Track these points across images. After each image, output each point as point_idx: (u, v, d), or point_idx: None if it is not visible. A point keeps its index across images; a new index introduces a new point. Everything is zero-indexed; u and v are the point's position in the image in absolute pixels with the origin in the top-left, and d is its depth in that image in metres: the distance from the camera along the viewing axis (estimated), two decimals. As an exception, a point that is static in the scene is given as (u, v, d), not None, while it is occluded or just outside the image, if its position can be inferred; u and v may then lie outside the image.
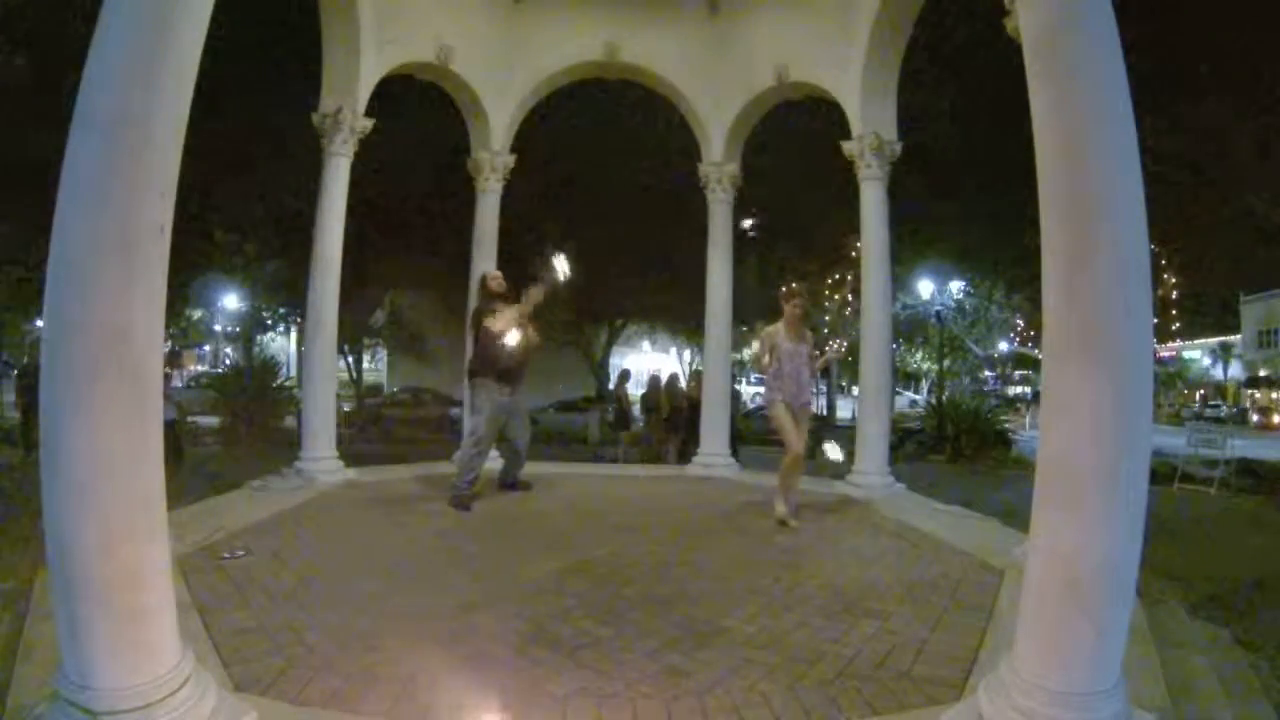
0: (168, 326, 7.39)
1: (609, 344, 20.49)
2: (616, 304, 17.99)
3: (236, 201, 11.06)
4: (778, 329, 5.29)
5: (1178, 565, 4.79)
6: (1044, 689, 1.99)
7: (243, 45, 8.67)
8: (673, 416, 10.82)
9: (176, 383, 16.25)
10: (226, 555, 3.81)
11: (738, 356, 32.63)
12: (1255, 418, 28.16)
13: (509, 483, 6.10)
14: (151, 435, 1.99)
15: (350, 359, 16.59)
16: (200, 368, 27.67)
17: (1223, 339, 40.93)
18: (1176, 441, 10.50)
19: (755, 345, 5.37)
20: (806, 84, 7.04)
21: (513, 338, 5.44)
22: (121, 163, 1.92)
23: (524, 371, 5.75)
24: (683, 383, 11.50)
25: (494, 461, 7.19)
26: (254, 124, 9.63)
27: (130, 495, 1.92)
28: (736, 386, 17.63)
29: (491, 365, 5.54)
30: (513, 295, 5.72)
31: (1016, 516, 4.78)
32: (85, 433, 1.86)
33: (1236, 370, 40.79)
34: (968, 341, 23.11)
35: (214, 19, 2.17)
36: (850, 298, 15.67)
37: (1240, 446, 9.86)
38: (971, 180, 12.67)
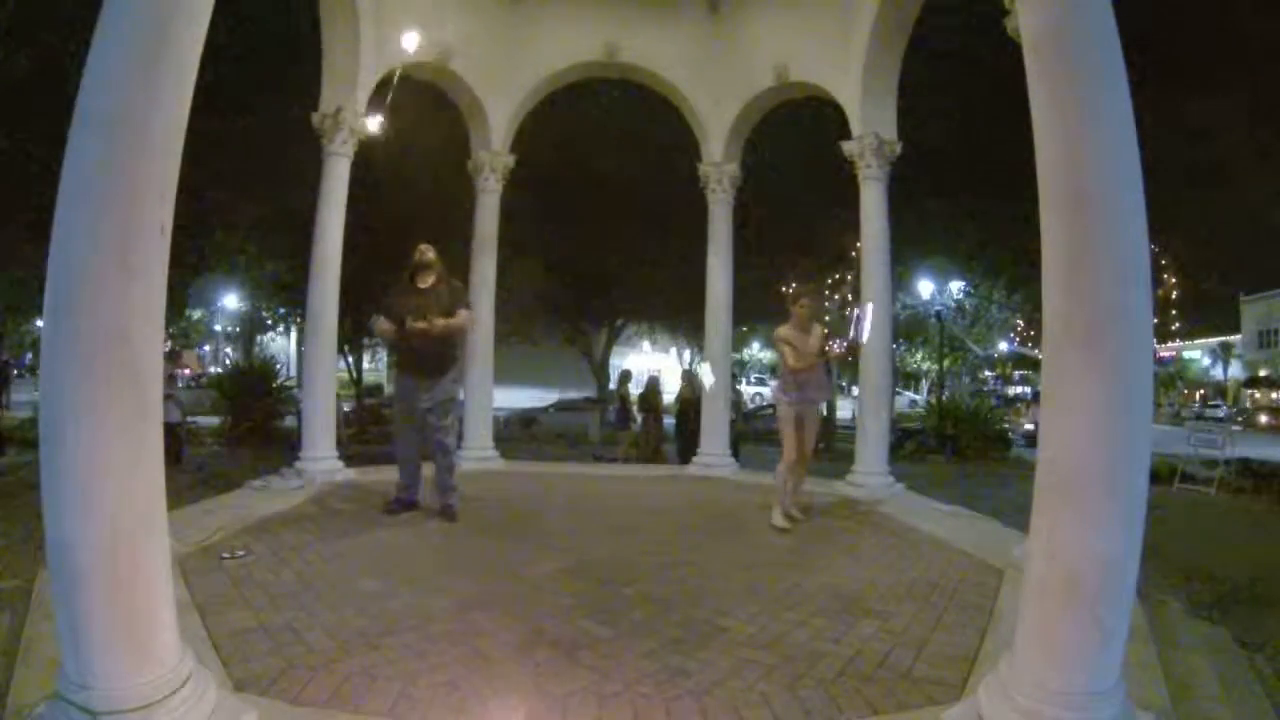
0: (168, 326, 7.39)
1: (609, 344, 20.50)
2: (616, 303, 17.98)
3: (236, 201, 11.05)
4: (788, 331, 5.18)
5: (1178, 565, 4.79)
6: (1044, 689, 1.99)
7: (243, 45, 8.66)
8: (652, 416, 11.43)
9: (179, 383, 16.23)
10: (226, 555, 3.81)
11: (738, 356, 32.72)
12: (1264, 418, 27.85)
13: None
14: (151, 435, 1.99)
15: (350, 359, 16.57)
16: (187, 370, 27.43)
17: (1223, 339, 40.94)
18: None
19: (781, 347, 5.25)
20: (806, 84, 7.04)
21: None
22: (121, 163, 1.92)
23: (435, 358, 4.87)
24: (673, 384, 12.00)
25: (482, 464, 7.19)
26: (254, 124, 9.62)
27: (130, 495, 1.92)
28: (737, 386, 17.64)
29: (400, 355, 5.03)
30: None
31: (1016, 516, 4.77)
32: (85, 433, 1.86)
33: (1236, 370, 40.80)
34: (968, 341, 23.07)
35: (214, 19, 2.16)
36: (850, 298, 15.66)
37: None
38: (972, 180, 12.66)
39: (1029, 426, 16.80)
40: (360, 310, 9.92)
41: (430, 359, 4.86)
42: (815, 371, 5.23)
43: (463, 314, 4.94)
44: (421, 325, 4.73)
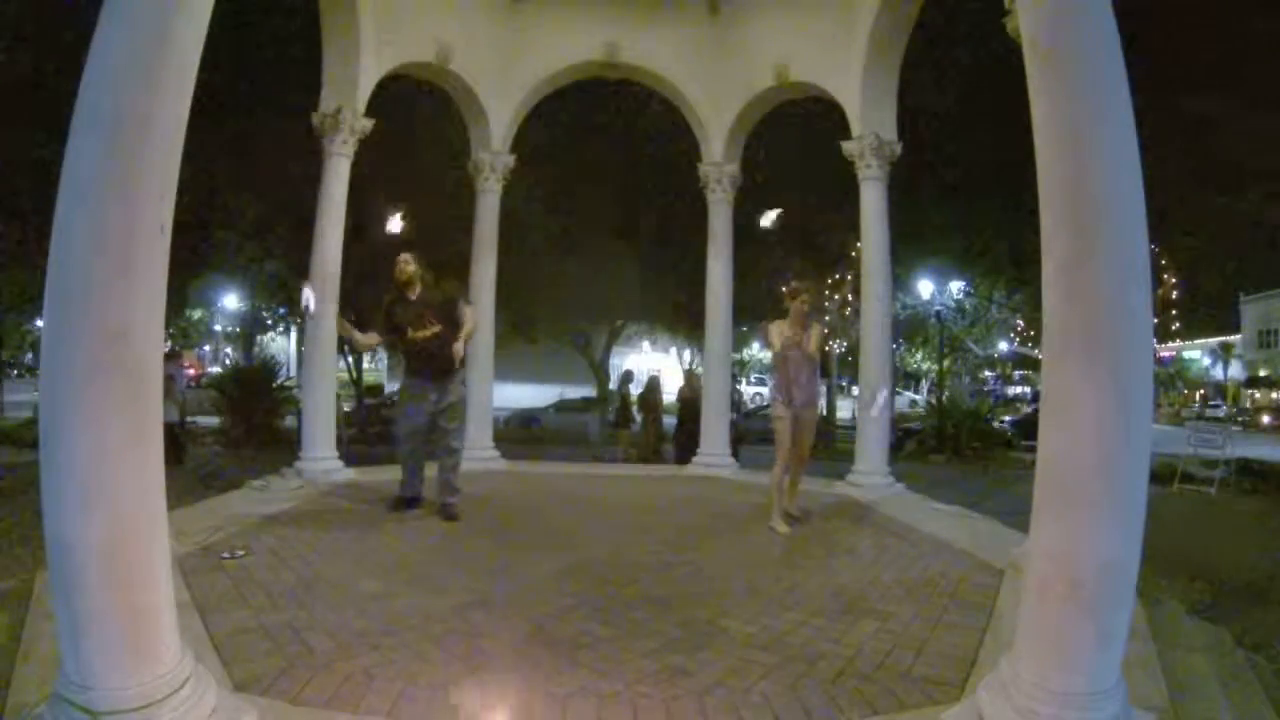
0: (168, 326, 7.39)
1: (609, 344, 20.50)
2: (616, 303, 17.97)
3: (236, 201, 11.06)
4: (781, 328, 5.12)
5: (1178, 565, 4.79)
6: (1044, 689, 1.99)
7: (243, 45, 8.67)
8: (652, 415, 11.78)
9: (180, 383, 16.21)
10: (226, 555, 3.81)
11: (738, 356, 32.71)
12: (1265, 419, 27.82)
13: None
14: (151, 435, 1.99)
15: (350, 359, 16.57)
16: (190, 370, 27.36)
17: (1223, 339, 40.93)
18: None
19: (771, 336, 5.21)
20: (806, 84, 7.04)
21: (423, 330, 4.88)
22: (121, 163, 1.91)
23: (446, 359, 4.93)
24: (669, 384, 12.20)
25: (482, 464, 7.18)
26: (254, 124, 9.63)
27: (130, 495, 1.92)
28: (737, 386, 17.66)
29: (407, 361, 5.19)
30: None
31: (1016, 516, 4.77)
32: (85, 432, 1.86)
33: (1236, 370, 40.79)
34: (968, 341, 23.08)
35: (214, 19, 2.16)
36: (850, 298, 15.66)
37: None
38: (972, 180, 12.67)
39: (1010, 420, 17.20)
40: (362, 314, 9.96)
41: (441, 361, 4.95)
42: (809, 374, 5.19)
43: (468, 312, 5.05)
44: (424, 335, 4.90)
